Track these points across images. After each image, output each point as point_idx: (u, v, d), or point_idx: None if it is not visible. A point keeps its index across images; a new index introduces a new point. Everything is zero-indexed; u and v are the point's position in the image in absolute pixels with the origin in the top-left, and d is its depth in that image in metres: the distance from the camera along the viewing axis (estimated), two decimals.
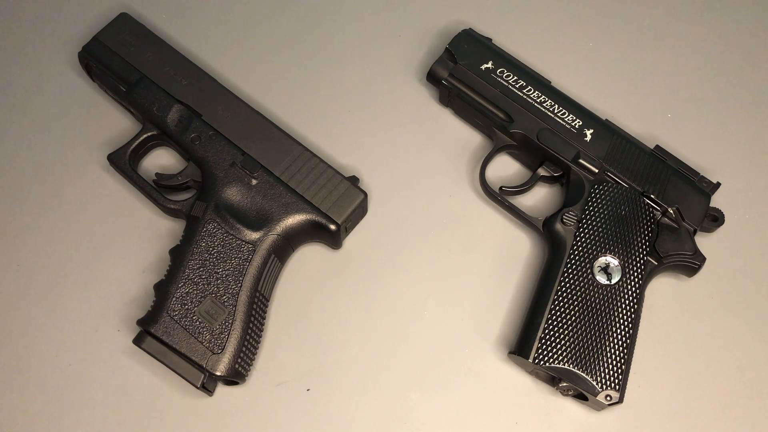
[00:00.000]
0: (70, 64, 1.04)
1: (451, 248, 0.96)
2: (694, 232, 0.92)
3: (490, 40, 1.03)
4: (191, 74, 0.97)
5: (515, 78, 0.98)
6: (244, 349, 0.85)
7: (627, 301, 0.87)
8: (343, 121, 1.03)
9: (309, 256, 0.96)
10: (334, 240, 0.93)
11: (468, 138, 1.03)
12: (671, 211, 0.92)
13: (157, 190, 0.94)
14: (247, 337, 0.86)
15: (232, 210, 0.90)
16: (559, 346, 0.85)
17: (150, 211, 0.97)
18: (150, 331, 0.84)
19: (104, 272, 0.93)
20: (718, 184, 0.95)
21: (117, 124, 1.01)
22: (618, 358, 0.85)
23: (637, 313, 0.88)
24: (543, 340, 0.86)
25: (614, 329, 0.86)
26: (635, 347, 0.88)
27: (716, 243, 0.97)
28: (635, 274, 0.88)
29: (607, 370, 0.85)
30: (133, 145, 0.95)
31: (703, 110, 1.06)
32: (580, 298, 0.87)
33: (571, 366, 0.85)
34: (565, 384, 0.86)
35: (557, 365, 0.85)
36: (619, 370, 0.85)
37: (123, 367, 0.89)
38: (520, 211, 0.96)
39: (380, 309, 0.93)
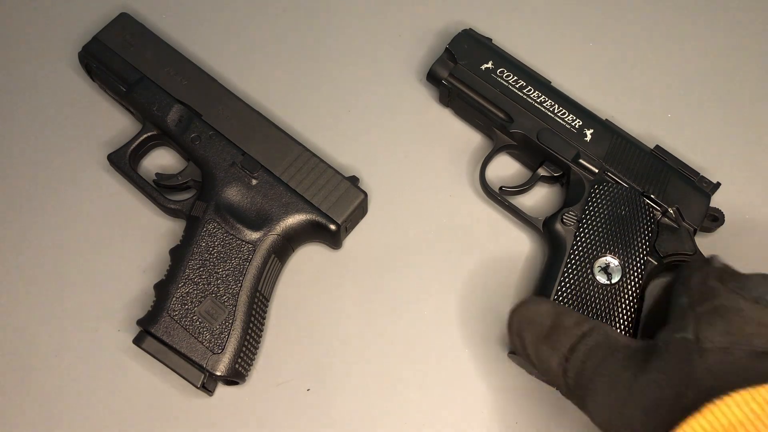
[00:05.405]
0: (70, 64, 1.04)
1: (451, 248, 0.96)
2: (694, 232, 0.92)
3: (490, 40, 1.03)
4: (191, 74, 0.97)
5: (515, 78, 0.98)
6: (244, 349, 0.85)
7: (627, 301, 0.87)
8: (343, 120, 1.03)
9: (309, 256, 0.96)
10: (334, 240, 0.93)
11: (468, 138, 1.03)
12: (671, 211, 0.92)
13: (157, 190, 0.94)
14: (248, 337, 0.86)
15: (232, 210, 0.90)
16: None
17: (150, 211, 0.97)
18: (150, 331, 0.84)
19: (104, 272, 0.93)
20: (718, 184, 0.95)
21: (117, 124, 1.01)
22: None
23: (638, 313, 0.88)
24: None
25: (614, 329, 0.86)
26: None
27: (716, 243, 0.97)
28: (635, 274, 0.88)
29: None
30: (133, 145, 0.95)
31: (703, 110, 1.06)
32: (580, 298, 0.87)
33: None
34: None
35: None
36: None
37: (123, 367, 0.89)
38: (520, 211, 0.96)
39: (380, 309, 0.93)
